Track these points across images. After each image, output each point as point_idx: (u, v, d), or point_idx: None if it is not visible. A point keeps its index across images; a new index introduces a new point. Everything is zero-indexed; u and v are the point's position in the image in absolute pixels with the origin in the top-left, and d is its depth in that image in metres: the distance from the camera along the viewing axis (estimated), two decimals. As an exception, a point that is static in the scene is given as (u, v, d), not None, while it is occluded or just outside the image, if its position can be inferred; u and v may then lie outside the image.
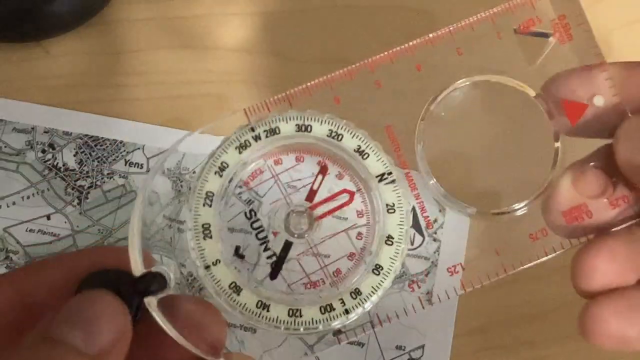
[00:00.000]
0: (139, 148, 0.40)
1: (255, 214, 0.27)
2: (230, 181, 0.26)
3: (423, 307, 0.36)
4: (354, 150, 0.26)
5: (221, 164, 0.26)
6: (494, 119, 0.28)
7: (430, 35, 0.25)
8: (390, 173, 0.26)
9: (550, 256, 0.26)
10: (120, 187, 0.39)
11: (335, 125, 0.26)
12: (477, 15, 0.25)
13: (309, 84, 0.26)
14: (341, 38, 0.42)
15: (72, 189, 0.39)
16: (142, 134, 0.40)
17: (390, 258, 0.26)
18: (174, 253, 0.39)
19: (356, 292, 0.25)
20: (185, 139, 0.26)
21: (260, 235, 0.27)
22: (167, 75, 0.42)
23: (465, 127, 0.28)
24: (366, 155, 0.26)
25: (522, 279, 0.37)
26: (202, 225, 0.25)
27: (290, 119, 0.26)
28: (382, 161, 0.26)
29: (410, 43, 0.25)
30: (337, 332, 0.27)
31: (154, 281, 0.22)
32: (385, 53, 0.26)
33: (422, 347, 0.36)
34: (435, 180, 0.27)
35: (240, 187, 0.27)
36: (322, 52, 0.42)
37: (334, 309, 0.25)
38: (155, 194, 0.39)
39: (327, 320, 0.25)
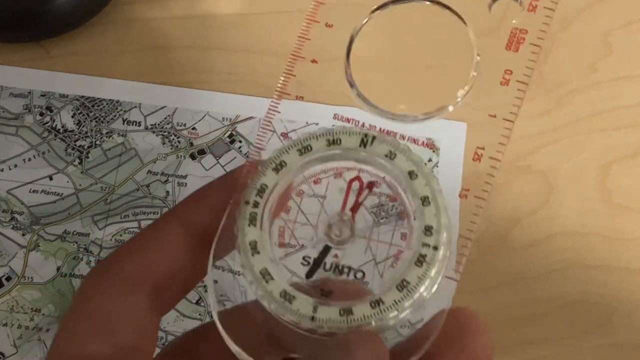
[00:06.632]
0: (135, 106, 0.41)
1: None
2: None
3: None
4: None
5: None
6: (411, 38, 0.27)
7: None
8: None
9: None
10: (120, 145, 0.40)
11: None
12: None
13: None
14: None
15: (72, 149, 0.40)
16: (138, 92, 0.41)
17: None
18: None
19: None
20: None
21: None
22: (168, 76, 0.42)
23: (385, 50, 0.27)
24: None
25: (522, 279, 0.38)
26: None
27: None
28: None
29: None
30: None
31: None
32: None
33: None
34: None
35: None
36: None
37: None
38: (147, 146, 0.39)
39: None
